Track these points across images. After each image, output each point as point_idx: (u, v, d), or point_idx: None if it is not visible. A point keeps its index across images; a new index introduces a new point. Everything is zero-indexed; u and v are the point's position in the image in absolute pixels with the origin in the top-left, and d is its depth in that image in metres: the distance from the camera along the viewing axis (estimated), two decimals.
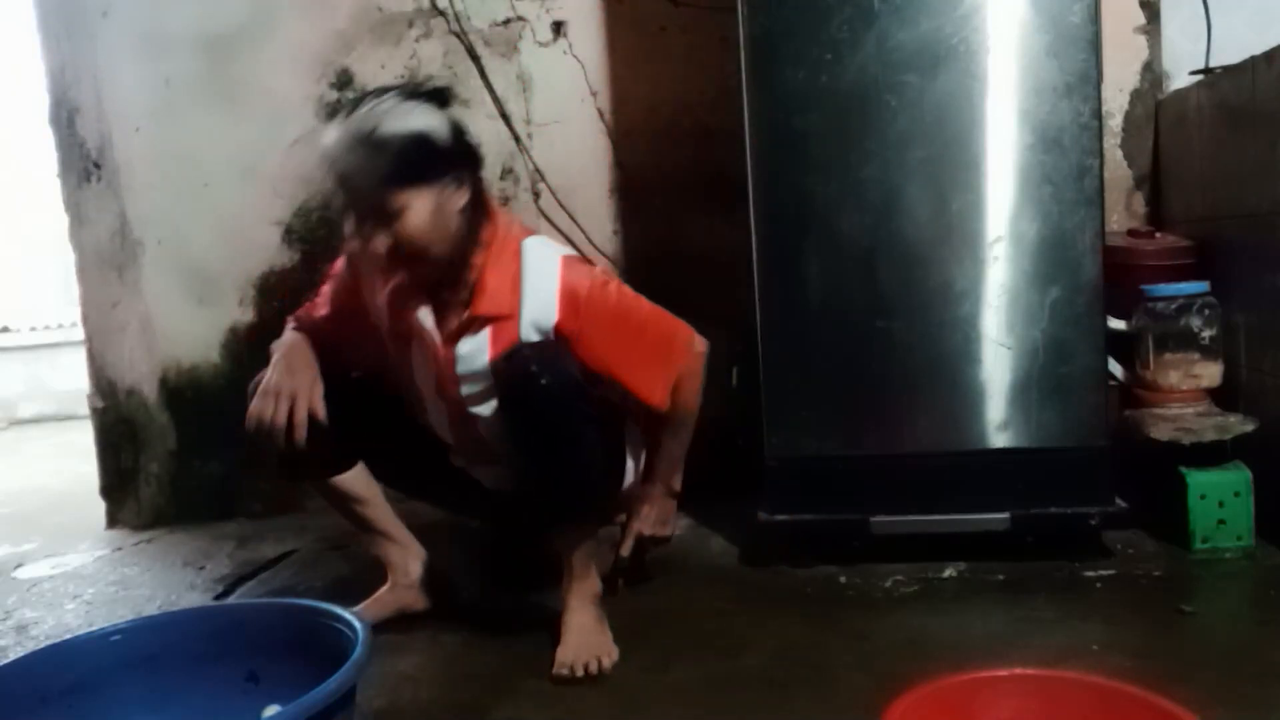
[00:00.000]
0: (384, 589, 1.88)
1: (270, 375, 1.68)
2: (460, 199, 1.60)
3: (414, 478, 1.93)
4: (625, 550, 1.91)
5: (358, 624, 1.33)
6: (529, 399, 1.58)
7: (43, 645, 1.50)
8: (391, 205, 1.53)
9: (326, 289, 1.84)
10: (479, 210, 1.64)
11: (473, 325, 1.65)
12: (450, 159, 1.59)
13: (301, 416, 1.63)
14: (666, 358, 1.76)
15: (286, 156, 2.52)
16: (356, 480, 1.83)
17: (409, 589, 1.89)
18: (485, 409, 1.70)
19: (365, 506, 1.85)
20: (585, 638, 1.65)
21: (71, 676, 1.40)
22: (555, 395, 1.57)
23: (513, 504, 1.82)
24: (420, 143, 1.55)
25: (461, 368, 1.67)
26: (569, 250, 1.79)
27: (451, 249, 1.61)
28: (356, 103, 1.60)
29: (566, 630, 1.66)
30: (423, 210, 1.55)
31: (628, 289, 1.76)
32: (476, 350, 1.66)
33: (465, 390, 1.69)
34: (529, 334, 1.63)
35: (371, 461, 1.85)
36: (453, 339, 1.67)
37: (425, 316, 1.68)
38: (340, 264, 1.83)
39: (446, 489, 1.95)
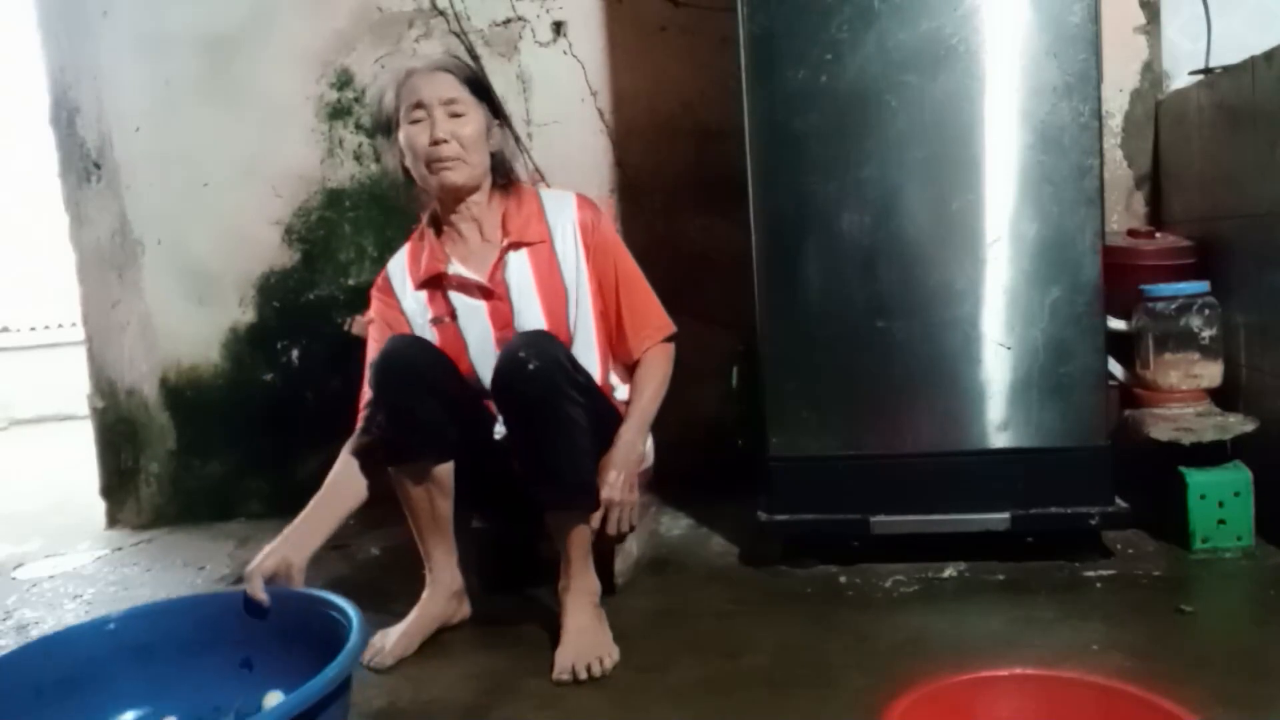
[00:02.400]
0: (422, 605, 1.80)
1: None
2: (494, 141, 1.86)
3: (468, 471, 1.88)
4: (597, 523, 1.77)
5: (351, 610, 1.35)
6: (517, 381, 1.62)
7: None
8: (462, 99, 1.80)
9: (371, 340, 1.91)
10: (503, 164, 1.90)
11: (509, 250, 1.84)
12: (497, 106, 1.90)
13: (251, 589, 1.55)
14: (656, 304, 1.93)
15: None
16: (448, 473, 1.78)
17: (452, 598, 1.83)
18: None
19: (445, 501, 1.79)
20: (585, 639, 1.64)
21: (66, 667, 1.41)
22: (542, 378, 1.61)
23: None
24: (484, 78, 1.91)
25: (514, 292, 1.83)
26: None
27: (480, 174, 1.84)
28: None
29: (566, 632, 1.66)
30: (476, 122, 1.81)
31: None
32: (521, 272, 1.84)
33: (517, 310, 1.83)
34: (563, 248, 1.85)
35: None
36: (495, 270, 1.85)
37: (457, 268, 1.85)
38: (372, 311, 1.94)
39: (488, 482, 1.91)
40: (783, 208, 1.96)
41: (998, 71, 1.87)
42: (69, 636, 1.48)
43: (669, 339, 1.94)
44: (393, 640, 1.71)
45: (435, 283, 1.86)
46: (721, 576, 2.04)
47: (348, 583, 2.18)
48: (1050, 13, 1.85)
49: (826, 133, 1.92)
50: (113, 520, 2.92)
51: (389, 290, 1.91)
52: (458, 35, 2.74)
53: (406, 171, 1.84)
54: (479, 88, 1.84)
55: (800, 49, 1.90)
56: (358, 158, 2.81)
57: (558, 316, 1.85)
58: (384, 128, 1.86)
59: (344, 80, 2.79)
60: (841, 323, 1.95)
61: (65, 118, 2.86)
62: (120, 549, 2.68)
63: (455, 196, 1.83)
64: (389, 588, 2.01)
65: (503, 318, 1.84)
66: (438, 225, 1.90)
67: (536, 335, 1.70)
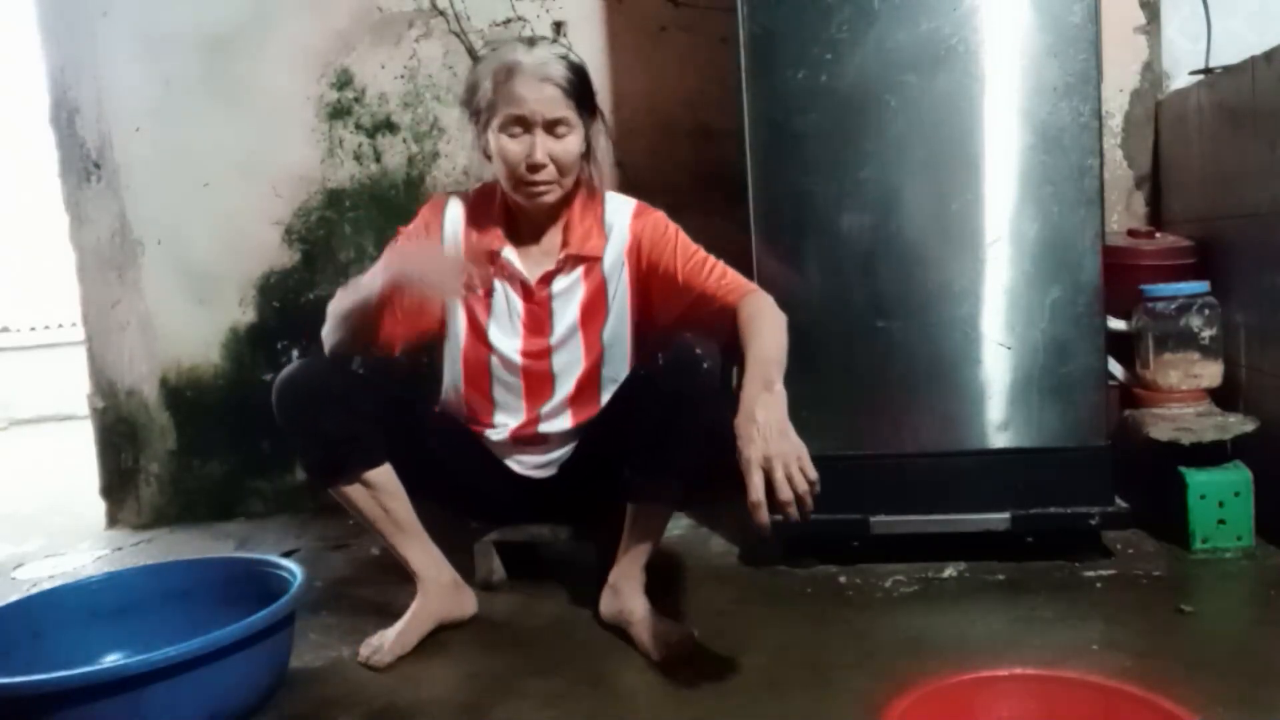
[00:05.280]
0: (417, 603, 1.78)
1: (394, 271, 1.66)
2: (582, 146, 1.75)
3: (440, 476, 1.88)
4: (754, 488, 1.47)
5: (297, 569, 1.63)
6: (693, 378, 1.62)
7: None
8: (567, 119, 1.70)
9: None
10: (589, 167, 1.80)
11: (566, 265, 1.81)
12: (595, 108, 1.77)
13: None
14: (734, 271, 1.77)
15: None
16: (389, 475, 1.76)
17: (447, 593, 1.81)
18: (568, 354, 1.83)
19: (397, 502, 1.77)
20: (658, 620, 1.67)
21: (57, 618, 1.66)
22: (711, 379, 1.63)
23: (551, 491, 1.89)
24: (589, 82, 1.75)
25: (557, 304, 1.81)
26: None
27: (569, 189, 1.78)
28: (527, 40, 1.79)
29: (640, 618, 1.67)
30: (577, 141, 1.73)
31: None
32: (570, 288, 1.82)
33: (556, 324, 1.82)
34: (610, 263, 1.81)
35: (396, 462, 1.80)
36: (546, 280, 1.81)
37: (512, 257, 1.81)
38: (414, 223, 1.87)
39: (474, 487, 1.92)
40: (782, 208, 1.96)
41: (998, 71, 1.88)
42: (58, 593, 1.74)
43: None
44: (390, 639, 1.71)
45: (484, 258, 1.82)
46: (721, 576, 2.04)
47: (348, 583, 2.18)
48: (1050, 13, 1.85)
49: (826, 132, 1.92)
50: (113, 520, 2.92)
51: (438, 227, 1.84)
52: (458, 35, 2.74)
53: (488, 157, 1.77)
54: (584, 99, 1.73)
55: (800, 49, 1.91)
56: (358, 158, 2.81)
57: (593, 332, 1.84)
58: (471, 114, 1.77)
59: (344, 80, 2.79)
60: (841, 323, 1.95)
61: (65, 118, 2.86)
62: (120, 549, 2.68)
63: (539, 210, 1.80)
64: (389, 588, 2.01)
65: (536, 321, 1.83)
66: (507, 207, 1.83)
67: (699, 339, 1.64)
